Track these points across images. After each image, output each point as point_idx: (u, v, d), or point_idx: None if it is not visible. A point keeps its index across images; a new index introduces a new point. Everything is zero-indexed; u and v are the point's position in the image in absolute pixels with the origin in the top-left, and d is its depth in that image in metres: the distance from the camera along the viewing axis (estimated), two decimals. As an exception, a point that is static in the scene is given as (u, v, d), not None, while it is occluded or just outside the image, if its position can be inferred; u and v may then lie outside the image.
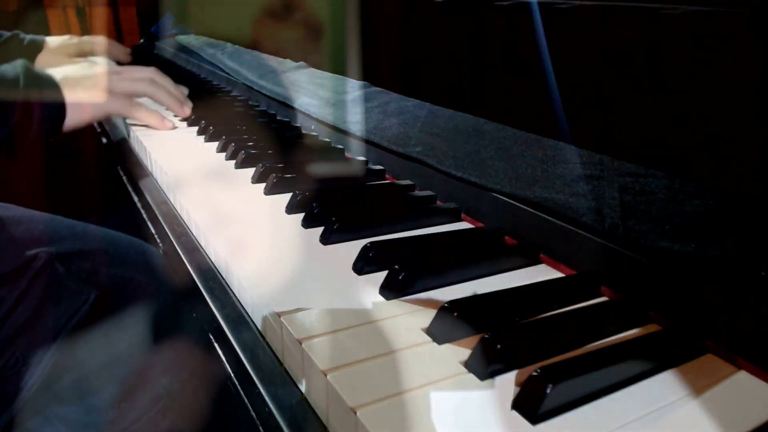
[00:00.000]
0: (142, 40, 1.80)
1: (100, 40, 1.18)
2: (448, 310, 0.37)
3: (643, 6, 0.44)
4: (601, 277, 0.43)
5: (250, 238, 0.51)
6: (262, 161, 0.67)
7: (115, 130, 0.98)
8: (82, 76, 0.77)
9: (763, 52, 0.38)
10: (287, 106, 0.92)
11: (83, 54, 1.12)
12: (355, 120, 0.73)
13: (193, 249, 0.55)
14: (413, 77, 0.74)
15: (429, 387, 0.32)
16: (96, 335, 0.63)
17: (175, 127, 0.88)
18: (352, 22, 0.83)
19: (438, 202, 0.60)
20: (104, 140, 1.00)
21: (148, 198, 0.69)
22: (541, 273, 0.46)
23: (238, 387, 0.39)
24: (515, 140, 0.54)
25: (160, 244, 0.64)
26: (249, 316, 0.44)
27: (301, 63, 0.98)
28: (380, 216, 0.54)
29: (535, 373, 0.31)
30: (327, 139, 0.81)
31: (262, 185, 0.63)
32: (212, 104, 1.00)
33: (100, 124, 1.04)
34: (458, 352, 0.35)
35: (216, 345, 0.44)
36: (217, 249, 0.50)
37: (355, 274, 0.45)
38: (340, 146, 0.77)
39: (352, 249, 0.47)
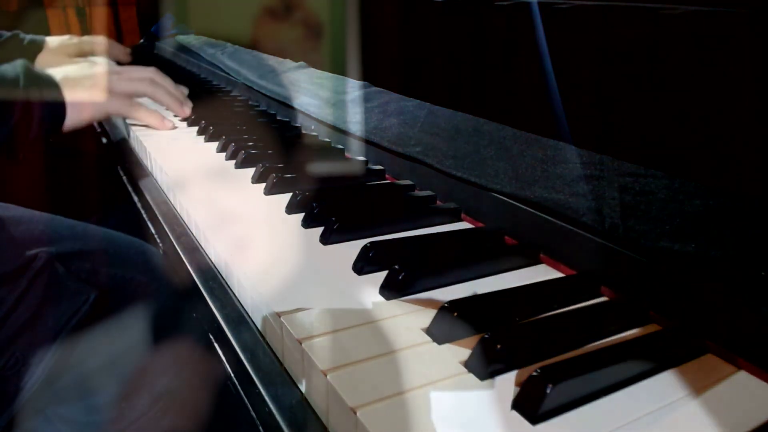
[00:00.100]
0: (142, 40, 1.80)
1: (100, 40, 1.18)
2: (448, 310, 0.37)
3: (643, 6, 0.44)
4: (601, 277, 0.43)
5: (250, 238, 0.51)
6: (262, 161, 0.67)
7: (115, 130, 0.98)
8: (82, 76, 0.77)
9: (763, 52, 0.38)
10: (287, 106, 0.92)
11: (83, 54, 1.12)
12: (355, 120, 0.73)
13: (193, 249, 0.55)
14: (413, 77, 0.74)
15: (429, 387, 0.32)
16: (96, 335, 0.63)
17: (175, 127, 0.88)
18: (352, 22, 0.83)
19: (438, 202, 0.60)
20: (104, 140, 1.00)
21: (148, 198, 0.69)
22: (541, 273, 0.46)
23: (238, 387, 0.39)
24: (515, 140, 0.54)
25: (160, 244, 0.64)
26: (249, 316, 0.44)
27: (301, 63, 0.98)
28: (380, 216, 0.54)
29: (535, 373, 0.31)
30: (327, 139, 0.81)
31: (262, 185, 0.63)
32: (212, 104, 1.00)
33: (100, 124, 1.04)
34: (458, 352, 0.35)
35: (216, 345, 0.44)
36: (217, 249, 0.50)
37: (355, 274, 0.45)
38: (340, 146, 0.77)
39: (352, 249, 0.47)
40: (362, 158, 0.72)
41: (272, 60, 1.07)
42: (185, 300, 0.55)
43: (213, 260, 0.52)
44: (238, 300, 0.46)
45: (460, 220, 0.57)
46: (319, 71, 0.92)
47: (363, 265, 0.45)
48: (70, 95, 0.74)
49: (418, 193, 0.61)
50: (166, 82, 0.89)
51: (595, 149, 0.48)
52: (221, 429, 0.65)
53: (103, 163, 1.02)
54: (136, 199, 0.75)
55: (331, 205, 0.54)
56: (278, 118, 0.94)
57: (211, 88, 1.19)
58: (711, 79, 0.41)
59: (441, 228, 0.55)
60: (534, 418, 0.30)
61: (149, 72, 0.87)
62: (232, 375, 0.41)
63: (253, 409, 0.37)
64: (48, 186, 1.07)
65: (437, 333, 0.37)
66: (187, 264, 0.53)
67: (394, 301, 0.41)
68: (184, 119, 0.92)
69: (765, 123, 0.38)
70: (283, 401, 0.35)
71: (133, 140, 0.86)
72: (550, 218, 0.47)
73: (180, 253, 0.55)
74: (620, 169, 0.45)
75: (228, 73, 1.17)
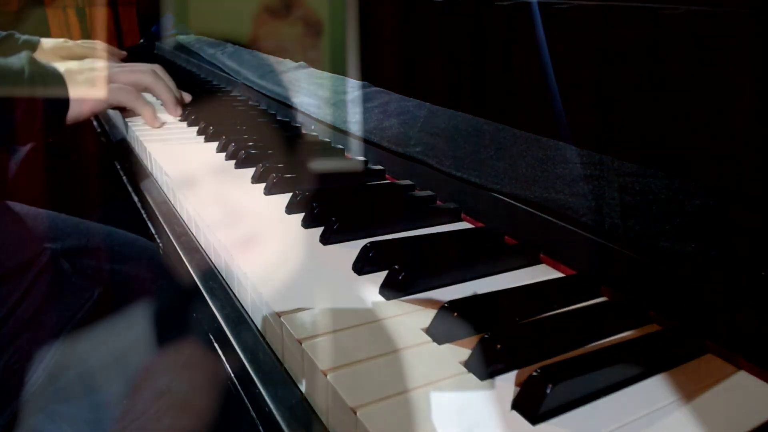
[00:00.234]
0: (142, 40, 1.80)
1: (95, 44, 1.18)
2: (448, 310, 0.37)
3: (643, 6, 0.44)
4: (601, 277, 0.43)
5: (250, 238, 0.51)
6: (262, 161, 0.67)
7: (115, 129, 0.98)
8: (85, 68, 0.78)
9: (763, 52, 0.38)
10: (287, 106, 0.92)
11: (77, 57, 1.12)
12: (355, 120, 0.73)
13: (193, 249, 0.55)
14: (413, 77, 0.74)
15: (429, 387, 0.32)
16: (100, 332, 0.63)
17: (164, 123, 0.88)
18: (352, 21, 0.83)
19: (438, 202, 0.60)
20: (104, 140, 1.00)
21: (148, 198, 0.69)
22: (541, 273, 0.47)
23: (239, 387, 0.39)
24: (515, 140, 0.54)
25: (160, 244, 0.64)
26: (249, 316, 0.44)
27: (301, 63, 0.98)
28: (380, 216, 0.54)
29: (535, 373, 0.31)
30: (327, 139, 0.81)
31: (262, 185, 0.63)
32: (212, 104, 1.00)
33: (100, 123, 1.04)
34: (458, 352, 0.35)
35: (216, 345, 0.44)
36: (217, 249, 0.50)
37: (355, 274, 0.45)
38: (340, 146, 0.77)
39: (352, 249, 0.47)
40: (362, 158, 0.72)
41: (272, 60, 1.07)
42: (185, 300, 0.55)
43: (213, 260, 0.52)
44: (238, 300, 0.46)
45: (460, 220, 0.57)
46: (319, 71, 0.92)
47: (363, 265, 0.45)
48: (72, 84, 0.74)
49: (418, 193, 0.61)
50: (167, 77, 0.89)
51: (595, 149, 0.48)
52: (221, 429, 0.65)
53: (103, 164, 1.02)
54: (136, 199, 0.75)
55: (331, 205, 0.54)
56: (278, 118, 0.94)
57: (211, 87, 1.19)
58: (711, 79, 0.41)
59: (441, 228, 0.55)
60: (534, 418, 0.30)
61: (151, 66, 0.87)
62: (233, 375, 0.41)
63: (253, 409, 0.37)
64: (48, 187, 1.07)
65: (437, 333, 0.37)
66: (187, 264, 0.53)
67: (394, 301, 0.41)
68: (184, 119, 0.92)
69: (765, 123, 0.38)
70: (283, 401, 0.35)
71: (133, 140, 0.86)
72: (550, 218, 0.47)
73: (180, 253, 0.55)
74: (620, 169, 0.45)
75: (228, 73, 1.17)
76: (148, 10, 1.75)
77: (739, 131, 0.40)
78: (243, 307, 0.45)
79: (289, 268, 0.46)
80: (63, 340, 0.59)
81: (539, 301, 0.41)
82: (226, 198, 0.61)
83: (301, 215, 0.55)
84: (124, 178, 0.83)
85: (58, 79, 0.74)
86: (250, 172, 0.67)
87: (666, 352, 0.35)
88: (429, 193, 0.60)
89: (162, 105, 0.93)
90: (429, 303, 0.41)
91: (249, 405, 0.38)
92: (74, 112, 0.75)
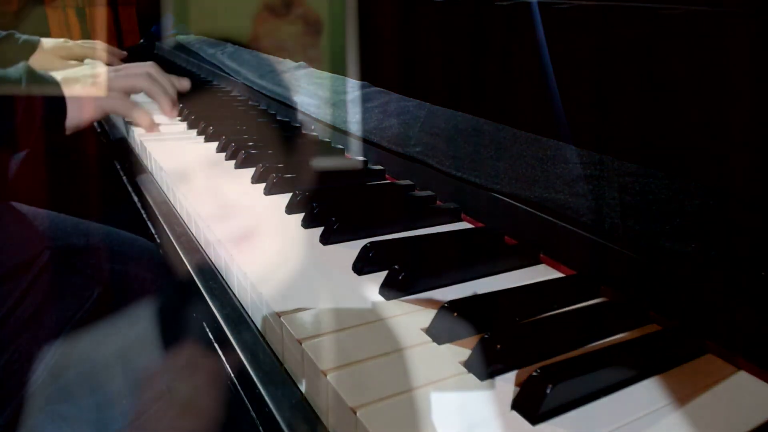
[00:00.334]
0: (142, 40, 1.80)
1: (95, 44, 1.18)
2: (448, 310, 0.37)
3: (643, 6, 0.44)
4: (600, 277, 0.43)
5: (250, 238, 0.51)
6: (262, 161, 0.67)
7: (115, 129, 0.98)
8: (81, 75, 0.78)
9: (763, 52, 0.38)
10: (287, 106, 0.92)
11: (76, 57, 1.12)
12: (355, 120, 0.73)
13: (193, 249, 0.55)
14: (413, 77, 0.74)
15: (429, 387, 0.32)
16: (99, 332, 0.63)
17: (159, 124, 0.88)
18: (352, 21, 0.83)
19: (438, 202, 0.60)
20: (104, 140, 1.00)
21: (148, 198, 0.69)
22: (541, 273, 0.47)
23: (239, 387, 0.39)
24: (515, 140, 0.54)
25: (160, 244, 0.64)
26: (249, 316, 0.44)
27: (301, 63, 0.98)
28: (380, 216, 0.54)
29: (535, 374, 0.31)
30: (327, 139, 0.81)
31: (262, 185, 0.63)
32: (212, 104, 1.00)
33: (100, 123, 1.04)
34: (458, 352, 0.35)
35: (216, 345, 0.44)
36: (217, 249, 0.50)
37: (355, 274, 0.45)
38: (340, 146, 0.77)
39: (352, 249, 0.47)
40: (362, 158, 0.72)
41: (272, 60, 1.07)
42: (185, 300, 0.55)
43: (213, 260, 0.52)
44: (238, 300, 0.46)
45: (460, 220, 0.57)
46: (319, 71, 0.92)
47: (363, 265, 0.45)
48: (69, 93, 0.74)
49: (418, 193, 0.61)
50: (163, 77, 0.89)
51: (595, 149, 0.48)
52: (221, 429, 0.65)
53: (104, 164, 1.02)
54: (136, 199, 0.75)
55: (331, 205, 0.54)
56: (278, 118, 0.94)
57: (211, 87, 1.19)
58: (711, 79, 0.41)
59: (441, 228, 0.55)
60: (534, 418, 0.30)
61: (146, 67, 0.87)
62: (233, 375, 0.41)
63: (253, 409, 0.37)
64: (48, 186, 1.07)
65: (437, 333, 0.37)
66: (186, 264, 0.53)
67: (394, 301, 0.41)
68: (183, 119, 0.92)
69: (765, 123, 0.38)
70: (283, 401, 0.35)
71: (133, 140, 0.86)
72: (550, 218, 0.47)
73: (180, 253, 0.55)
74: (620, 169, 0.45)
75: (228, 73, 1.17)
76: (148, 10, 1.74)
77: (738, 131, 0.40)
78: (243, 307, 0.45)
79: (289, 268, 0.46)
80: (63, 339, 0.59)
81: (539, 301, 0.41)
82: (226, 198, 0.61)
83: (301, 215, 0.55)
84: (124, 178, 0.83)
85: (55, 86, 0.74)
86: (250, 172, 0.67)
87: (666, 352, 0.35)
88: (429, 193, 0.60)
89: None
90: (429, 303, 0.41)
91: (249, 405, 0.38)
92: (72, 120, 0.75)
